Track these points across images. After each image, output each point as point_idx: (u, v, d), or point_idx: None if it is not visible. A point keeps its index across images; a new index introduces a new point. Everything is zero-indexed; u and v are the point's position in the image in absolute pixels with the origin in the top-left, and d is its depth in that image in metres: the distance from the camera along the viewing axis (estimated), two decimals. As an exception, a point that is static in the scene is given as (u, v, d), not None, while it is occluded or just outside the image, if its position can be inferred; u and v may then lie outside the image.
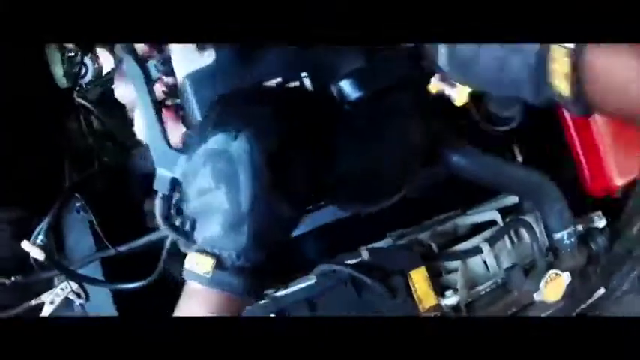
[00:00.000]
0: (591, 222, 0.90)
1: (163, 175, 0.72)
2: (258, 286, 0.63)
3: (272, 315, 0.77)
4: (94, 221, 0.86)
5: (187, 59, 0.72)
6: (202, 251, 0.60)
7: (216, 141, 0.60)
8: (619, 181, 0.86)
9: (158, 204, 0.73)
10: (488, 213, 0.88)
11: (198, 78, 0.71)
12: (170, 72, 0.75)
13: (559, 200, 0.80)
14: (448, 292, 0.79)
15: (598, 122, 0.84)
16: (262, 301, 0.78)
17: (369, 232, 0.88)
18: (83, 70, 0.92)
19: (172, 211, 0.73)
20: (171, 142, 0.76)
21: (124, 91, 0.82)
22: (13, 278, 0.85)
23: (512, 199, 0.90)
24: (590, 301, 0.94)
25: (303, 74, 0.70)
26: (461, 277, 0.82)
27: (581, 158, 0.87)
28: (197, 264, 0.59)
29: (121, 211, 0.89)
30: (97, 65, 0.92)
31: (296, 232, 0.76)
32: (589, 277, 0.91)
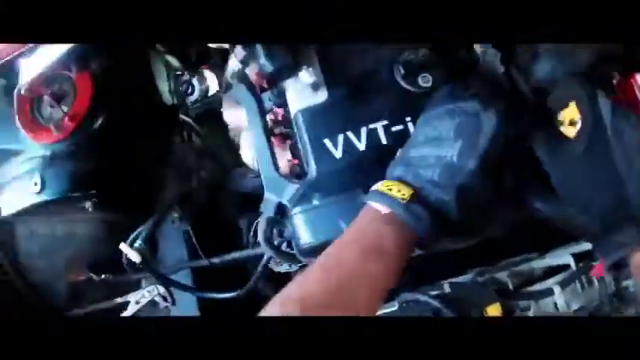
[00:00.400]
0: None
1: (271, 198, 0.79)
2: (437, 238, 0.63)
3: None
4: (191, 232, 0.93)
5: (301, 95, 0.79)
6: (404, 181, 0.63)
7: (469, 104, 0.64)
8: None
9: (262, 224, 0.80)
10: (562, 257, 0.93)
11: (311, 114, 0.78)
12: (283, 104, 0.81)
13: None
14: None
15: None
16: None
17: (451, 268, 0.94)
18: (190, 90, 0.99)
19: (275, 232, 0.80)
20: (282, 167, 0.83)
21: (234, 116, 0.89)
22: (103, 276, 0.92)
23: (587, 245, 0.94)
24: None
25: (408, 119, 0.76)
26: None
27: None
28: (394, 190, 0.61)
29: (215, 225, 0.96)
30: (203, 86, 0.99)
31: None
32: None
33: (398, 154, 0.69)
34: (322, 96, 0.78)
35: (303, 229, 0.75)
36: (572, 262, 0.92)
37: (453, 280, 0.91)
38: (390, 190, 0.62)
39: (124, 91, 0.94)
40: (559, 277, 0.91)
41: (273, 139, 0.87)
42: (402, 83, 0.77)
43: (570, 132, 0.66)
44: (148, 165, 0.96)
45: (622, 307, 0.86)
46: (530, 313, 0.87)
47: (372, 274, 0.60)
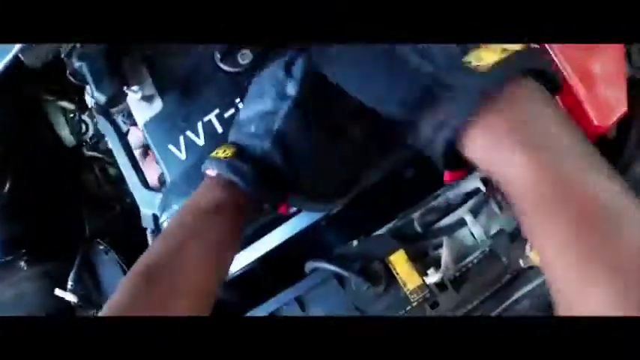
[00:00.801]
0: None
1: (147, 213, 0.83)
2: (266, 190, 0.63)
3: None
4: (118, 260, 0.99)
5: (141, 110, 0.81)
6: (232, 142, 0.65)
7: (282, 58, 0.66)
8: (604, 122, 0.83)
9: (149, 238, 0.84)
10: (471, 181, 0.89)
11: (153, 124, 0.80)
12: (135, 122, 0.84)
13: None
14: (430, 271, 0.82)
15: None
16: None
17: (376, 220, 0.93)
18: (84, 128, 1.04)
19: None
20: (153, 180, 0.87)
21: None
22: (60, 322, 0.99)
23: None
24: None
25: (237, 100, 0.77)
26: (445, 252, 0.84)
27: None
28: (220, 152, 0.63)
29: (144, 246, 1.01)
30: (95, 120, 1.04)
31: (307, 223, 0.85)
32: None
33: None
34: (158, 105, 0.81)
35: (173, 235, 0.78)
36: (480, 184, 0.88)
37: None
38: (217, 153, 0.63)
39: (25, 150, 1.01)
40: (470, 204, 0.88)
41: (150, 153, 0.90)
42: (223, 67, 0.78)
43: None
44: (65, 209, 1.02)
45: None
46: (444, 249, 0.84)
47: (211, 236, 0.61)
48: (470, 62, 0.46)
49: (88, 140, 1.05)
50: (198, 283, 0.59)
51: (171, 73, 0.81)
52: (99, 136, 1.04)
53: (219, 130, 0.77)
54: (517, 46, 0.47)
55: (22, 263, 0.98)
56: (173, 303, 0.56)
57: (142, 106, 0.81)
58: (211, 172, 0.64)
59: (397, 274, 0.82)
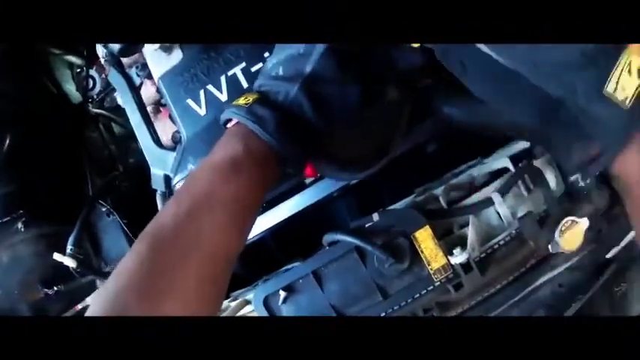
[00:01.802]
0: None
1: (157, 173, 0.76)
2: (290, 142, 0.56)
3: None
4: (121, 222, 0.92)
5: (158, 62, 0.75)
6: (255, 90, 0.58)
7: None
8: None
9: (159, 200, 0.78)
10: (499, 160, 0.83)
11: (170, 77, 0.74)
12: (150, 75, 0.77)
13: (568, 139, 0.74)
14: (456, 250, 0.76)
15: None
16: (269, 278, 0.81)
17: (396, 191, 0.87)
18: (91, 83, 0.97)
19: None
20: (166, 139, 0.80)
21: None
22: (55, 288, 0.93)
23: (524, 144, 0.84)
24: (622, 244, 0.86)
25: (266, 54, 0.70)
26: (471, 231, 0.78)
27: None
28: (241, 100, 0.57)
29: (149, 209, 0.94)
30: (103, 75, 0.97)
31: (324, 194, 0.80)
32: (617, 220, 0.83)
33: None
34: (177, 56, 0.74)
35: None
36: (509, 164, 0.82)
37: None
38: (238, 101, 0.56)
39: (28, 106, 0.94)
40: (497, 184, 0.82)
41: (162, 110, 0.84)
42: (252, 19, 0.71)
43: None
44: (67, 168, 0.95)
45: (574, 208, 0.76)
46: (470, 228, 0.78)
47: (225, 196, 0.54)
48: (612, 93, 0.44)
49: (95, 97, 0.97)
50: (212, 249, 0.53)
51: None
52: (106, 93, 0.97)
53: (245, 85, 0.71)
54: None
55: (20, 225, 0.91)
56: (183, 272, 0.50)
57: (159, 57, 0.75)
58: (230, 122, 0.57)
59: (422, 251, 0.77)
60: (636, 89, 0.44)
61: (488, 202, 0.81)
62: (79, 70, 0.99)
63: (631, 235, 0.85)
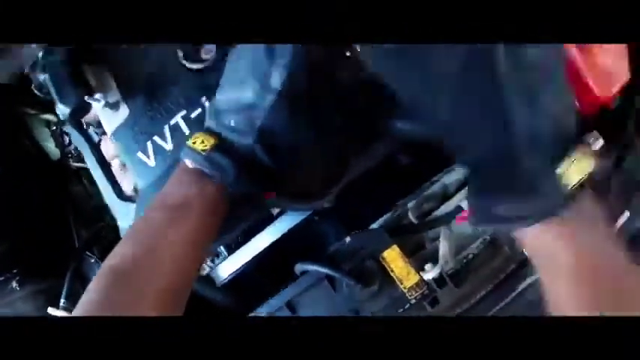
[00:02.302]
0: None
1: (123, 226, 0.77)
2: (247, 186, 0.57)
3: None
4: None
5: (109, 119, 0.75)
6: (209, 131, 0.58)
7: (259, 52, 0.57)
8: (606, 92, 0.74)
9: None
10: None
11: (121, 133, 0.74)
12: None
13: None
14: (427, 266, 0.74)
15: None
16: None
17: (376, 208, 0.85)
18: (67, 139, 0.99)
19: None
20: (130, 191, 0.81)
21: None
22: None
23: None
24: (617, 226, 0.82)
25: (203, 99, 0.70)
26: (443, 243, 0.77)
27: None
28: (197, 142, 0.57)
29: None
30: (77, 131, 0.99)
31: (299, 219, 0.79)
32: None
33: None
34: (124, 112, 0.74)
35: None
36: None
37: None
38: (195, 142, 0.57)
39: (9, 167, 0.96)
40: (466, 191, 0.79)
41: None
42: (187, 64, 0.71)
43: None
44: (54, 223, 0.98)
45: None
46: (441, 240, 0.76)
47: (179, 232, 0.56)
48: (560, 175, 0.49)
49: (73, 152, 0.99)
50: (166, 283, 0.55)
51: (136, 77, 0.75)
52: (82, 147, 0.99)
53: (187, 131, 0.71)
54: (589, 165, 0.50)
55: (15, 283, 0.93)
56: (141, 304, 0.53)
57: (109, 114, 0.75)
58: (187, 162, 0.58)
59: (392, 271, 0.75)
60: (578, 181, 0.49)
61: (458, 210, 0.79)
62: (54, 127, 1.01)
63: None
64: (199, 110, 0.70)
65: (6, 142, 0.99)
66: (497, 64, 0.46)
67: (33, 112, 1.00)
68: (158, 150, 0.71)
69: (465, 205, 0.78)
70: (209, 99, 0.70)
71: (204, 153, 0.55)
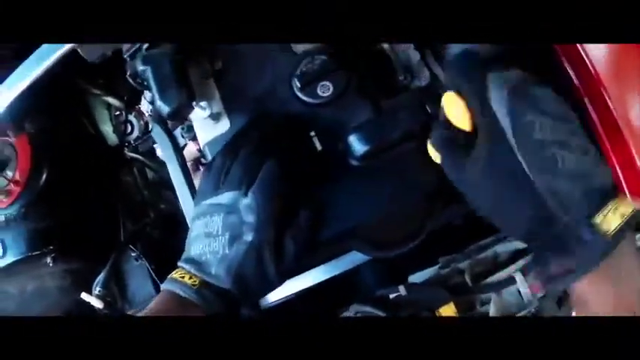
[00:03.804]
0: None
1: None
2: (234, 312, 0.65)
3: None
4: (149, 268, 0.90)
5: (205, 128, 0.73)
6: (190, 272, 0.63)
7: (228, 197, 0.64)
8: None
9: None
10: (523, 241, 0.82)
11: (217, 145, 0.72)
12: (195, 137, 0.76)
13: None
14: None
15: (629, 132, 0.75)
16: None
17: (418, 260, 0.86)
18: (129, 128, 0.95)
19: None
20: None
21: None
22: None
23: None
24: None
25: (312, 133, 0.69)
26: (493, 309, 0.78)
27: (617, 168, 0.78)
28: (186, 278, 0.63)
29: (178, 257, 0.93)
30: (142, 122, 0.95)
31: (352, 264, 0.81)
32: None
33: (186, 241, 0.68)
34: (225, 125, 0.72)
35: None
36: (533, 244, 0.81)
37: (416, 278, 0.83)
38: (183, 278, 0.63)
39: (65, 143, 0.92)
40: (521, 263, 0.81)
41: (201, 167, 0.82)
42: (301, 96, 0.70)
43: (463, 124, 0.57)
44: (99, 209, 0.94)
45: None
46: (492, 305, 0.78)
47: None
48: (598, 224, 0.51)
49: (132, 141, 0.95)
50: None
51: (242, 93, 0.72)
52: (143, 139, 0.95)
53: (289, 162, 0.69)
54: (630, 209, 0.52)
55: (49, 259, 0.89)
56: None
57: (207, 124, 0.73)
58: (179, 292, 0.62)
59: (445, 328, 0.76)
60: (618, 225, 0.50)
61: (511, 280, 0.80)
62: (117, 112, 0.97)
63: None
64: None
65: (65, 116, 0.95)
66: (511, 148, 0.52)
67: (97, 92, 0.96)
68: (255, 172, 0.69)
69: (517, 277, 0.80)
70: (317, 136, 0.69)
71: (194, 288, 0.62)
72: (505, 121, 0.52)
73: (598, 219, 0.50)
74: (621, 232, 0.50)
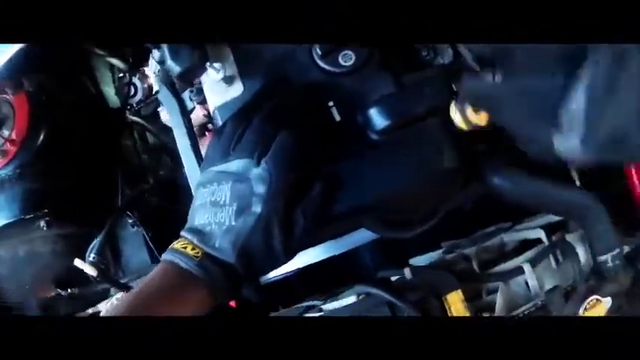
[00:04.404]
0: (641, 239, 0.79)
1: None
2: (233, 289, 0.61)
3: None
4: (145, 235, 0.86)
5: (217, 91, 0.68)
6: (192, 243, 0.60)
7: (238, 165, 0.60)
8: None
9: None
10: (533, 231, 0.79)
11: (228, 110, 0.67)
12: (204, 101, 0.71)
13: (604, 222, 0.71)
14: (484, 315, 0.72)
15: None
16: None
17: (423, 242, 0.83)
18: (132, 91, 0.90)
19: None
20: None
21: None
22: (69, 290, 0.87)
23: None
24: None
25: (330, 104, 0.65)
26: (500, 299, 0.74)
27: (633, 174, 0.77)
28: (188, 248, 0.59)
29: (175, 225, 0.88)
30: (146, 85, 0.90)
31: (354, 244, 0.77)
32: (638, 298, 0.81)
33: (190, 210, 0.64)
34: (238, 89, 0.68)
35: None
36: (543, 236, 0.78)
37: (417, 262, 0.79)
38: (185, 248, 0.60)
39: (65, 103, 0.86)
40: (529, 254, 0.78)
41: (208, 134, 0.78)
42: (321, 64, 0.65)
43: None
44: (97, 173, 0.89)
45: (599, 287, 0.73)
46: (499, 295, 0.74)
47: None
48: None
49: (134, 105, 0.90)
50: None
51: (258, 57, 0.68)
52: (146, 103, 0.90)
53: (305, 131, 0.65)
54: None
55: (42, 223, 0.84)
56: None
57: (219, 87, 0.68)
58: (180, 263, 0.59)
59: (451, 313, 0.72)
60: None
61: (519, 271, 0.77)
62: (120, 74, 0.92)
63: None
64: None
65: (65, 74, 0.89)
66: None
67: (101, 52, 0.90)
68: (267, 139, 0.65)
69: (526, 267, 0.77)
70: (336, 106, 0.65)
71: (196, 259, 0.58)
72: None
73: None
74: None
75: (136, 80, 0.90)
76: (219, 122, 0.68)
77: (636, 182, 0.80)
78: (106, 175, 0.89)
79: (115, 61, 0.91)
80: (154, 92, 0.90)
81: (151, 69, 0.77)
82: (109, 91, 0.93)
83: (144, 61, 0.87)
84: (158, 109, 0.86)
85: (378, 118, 0.63)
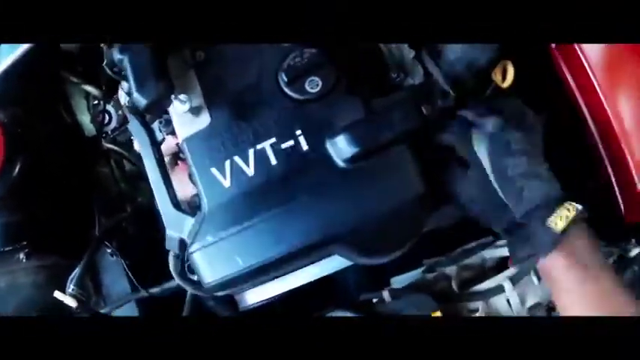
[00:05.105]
0: (625, 251, 0.77)
1: (172, 235, 0.68)
2: None
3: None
4: (124, 264, 0.84)
5: (184, 123, 0.66)
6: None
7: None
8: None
9: (171, 262, 0.70)
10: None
11: (196, 141, 0.65)
12: (174, 131, 0.69)
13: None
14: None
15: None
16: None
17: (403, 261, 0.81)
18: (107, 118, 0.88)
19: (186, 267, 0.69)
20: (183, 195, 0.72)
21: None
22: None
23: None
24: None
25: (298, 132, 0.62)
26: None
27: (615, 187, 0.74)
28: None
29: (154, 253, 0.86)
30: (120, 112, 0.88)
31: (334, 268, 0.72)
32: None
33: None
34: (205, 120, 0.65)
35: (201, 268, 0.64)
36: (524, 251, 0.76)
37: (398, 281, 0.77)
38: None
39: (40, 133, 0.84)
40: (510, 271, 0.76)
41: (180, 163, 0.76)
42: (288, 91, 0.63)
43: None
44: (74, 203, 0.86)
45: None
46: (480, 314, 0.72)
47: None
48: (553, 224, 0.60)
49: (109, 132, 0.88)
50: None
51: (225, 87, 0.65)
52: (121, 130, 0.88)
53: (273, 162, 0.62)
54: (572, 214, 0.60)
55: (22, 255, 0.82)
56: None
57: (186, 118, 0.66)
58: None
59: (431, 336, 0.70)
60: (566, 224, 0.60)
61: (500, 289, 0.75)
62: (95, 102, 0.89)
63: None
64: (291, 142, 0.62)
65: (40, 105, 0.87)
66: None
67: (75, 80, 0.88)
68: (237, 172, 0.63)
69: (506, 285, 0.75)
70: (304, 134, 0.62)
71: None
72: (486, 163, 0.63)
73: (551, 221, 0.60)
74: (568, 229, 0.60)
75: (110, 108, 0.87)
76: (188, 154, 0.65)
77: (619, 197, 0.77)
78: (83, 205, 0.86)
79: (89, 89, 0.88)
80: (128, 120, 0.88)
81: (122, 99, 0.74)
82: (85, 119, 0.90)
83: (117, 88, 0.85)
84: (132, 137, 0.83)
85: (345, 146, 0.60)
